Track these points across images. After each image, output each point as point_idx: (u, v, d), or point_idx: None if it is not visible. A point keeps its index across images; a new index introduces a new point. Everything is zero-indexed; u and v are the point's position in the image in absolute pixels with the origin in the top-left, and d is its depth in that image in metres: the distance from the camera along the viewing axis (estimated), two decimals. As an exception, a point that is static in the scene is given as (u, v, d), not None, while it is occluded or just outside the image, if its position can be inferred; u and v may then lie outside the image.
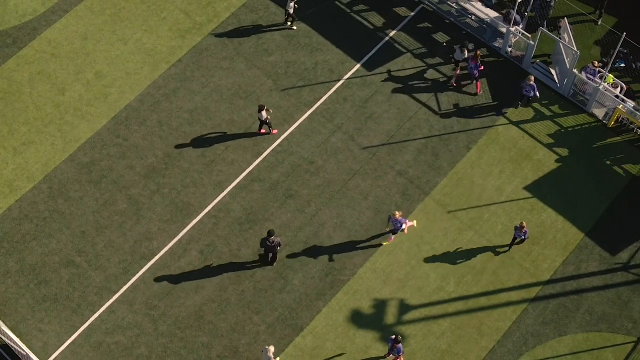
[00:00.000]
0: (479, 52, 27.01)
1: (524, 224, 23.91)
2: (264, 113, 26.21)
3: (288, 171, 26.75)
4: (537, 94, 26.72)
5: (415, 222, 25.18)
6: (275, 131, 27.23)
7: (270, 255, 24.82)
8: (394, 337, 22.39)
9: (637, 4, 29.22)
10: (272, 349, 22.34)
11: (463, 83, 28.27)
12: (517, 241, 24.89)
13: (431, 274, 24.96)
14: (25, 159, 27.03)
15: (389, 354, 23.22)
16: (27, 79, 28.58)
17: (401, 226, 24.35)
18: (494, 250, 25.27)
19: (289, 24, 29.20)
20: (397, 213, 23.98)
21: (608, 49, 28.47)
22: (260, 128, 27.00)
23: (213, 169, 26.83)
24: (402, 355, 23.03)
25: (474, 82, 27.78)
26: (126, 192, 26.44)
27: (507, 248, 25.20)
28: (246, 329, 24.21)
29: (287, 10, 28.60)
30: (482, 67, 27.24)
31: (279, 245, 24.22)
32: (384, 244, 25.15)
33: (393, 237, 25.18)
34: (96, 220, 25.97)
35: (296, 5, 28.74)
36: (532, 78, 26.44)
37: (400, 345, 22.45)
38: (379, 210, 25.99)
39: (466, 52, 27.40)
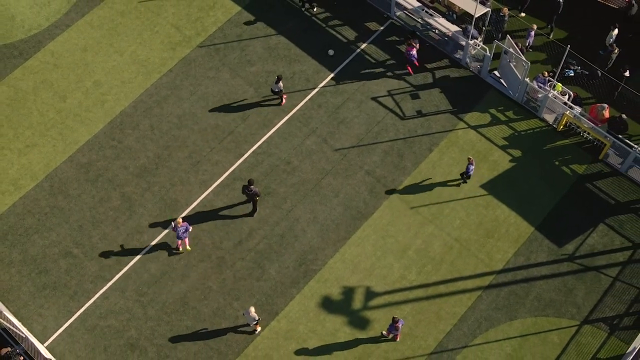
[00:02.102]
0: (410, 40, 27.54)
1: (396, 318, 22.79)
2: (280, 84, 26.64)
3: (267, 171, 26.73)
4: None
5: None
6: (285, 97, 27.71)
7: (252, 205, 25.24)
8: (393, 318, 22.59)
9: (584, 20, 29.19)
10: (252, 309, 22.41)
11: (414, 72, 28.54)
12: None
13: (395, 263, 24.95)
14: (29, 160, 27.02)
15: (388, 332, 23.27)
16: (31, 87, 28.57)
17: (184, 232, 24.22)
18: (452, 242, 25.27)
19: (310, 7, 29.70)
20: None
21: (558, 59, 28.47)
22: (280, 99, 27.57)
23: (199, 168, 26.80)
24: (398, 334, 23.14)
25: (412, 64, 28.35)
26: (120, 189, 26.43)
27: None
28: (226, 313, 24.20)
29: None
30: (413, 50, 27.63)
31: (257, 195, 24.54)
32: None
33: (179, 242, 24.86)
34: (92, 215, 25.95)
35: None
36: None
37: (398, 324, 22.44)
38: (349, 206, 25.97)
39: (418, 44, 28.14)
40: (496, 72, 28.09)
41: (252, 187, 24.51)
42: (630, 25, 28.82)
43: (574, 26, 29.34)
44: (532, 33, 27.86)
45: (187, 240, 24.83)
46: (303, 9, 29.57)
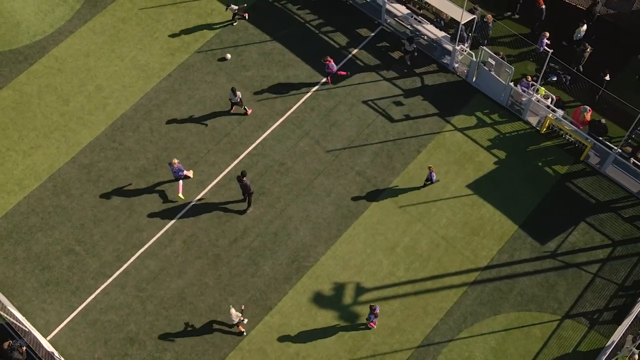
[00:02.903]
0: (327, 57, 27.55)
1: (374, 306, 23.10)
2: (238, 94, 26.57)
3: (261, 171, 26.78)
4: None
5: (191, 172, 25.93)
6: (250, 111, 27.50)
7: (247, 199, 25.48)
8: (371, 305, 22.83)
9: (567, 28, 29.25)
10: (232, 310, 22.56)
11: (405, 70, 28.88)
12: None
13: (384, 260, 24.99)
14: (33, 161, 27.08)
15: (370, 322, 23.33)
16: (36, 91, 28.63)
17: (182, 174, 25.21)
18: (439, 240, 25.32)
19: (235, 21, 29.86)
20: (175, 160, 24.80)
21: (541, 65, 28.50)
22: (231, 108, 27.50)
23: (196, 169, 26.84)
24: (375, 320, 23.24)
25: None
26: (120, 189, 26.45)
27: None
28: (222, 308, 24.23)
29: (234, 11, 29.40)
30: (331, 62, 27.60)
31: (248, 188, 24.75)
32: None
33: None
34: (94, 214, 26.00)
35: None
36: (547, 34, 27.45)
37: (376, 310, 22.67)
38: (340, 205, 26.02)
39: (413, 45, 28.08)
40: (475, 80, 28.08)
41: (244, 178, 24.58)
42: (595, 23, 28.86)
43: (550, 30, 29.34)
44: (545, 40, 27.68)
45: (181, 186, 25.39)
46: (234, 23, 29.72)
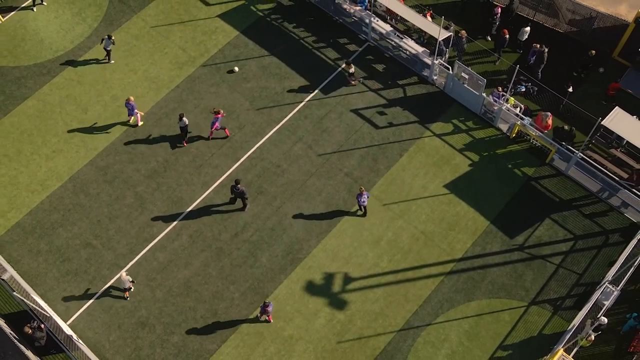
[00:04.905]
0: (217, 110, 26.61)
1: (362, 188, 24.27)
2: (184, 120, 26.53)
3: (259, 173, 26.91)
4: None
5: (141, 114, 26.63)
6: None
7: (242, 202, 25.47)
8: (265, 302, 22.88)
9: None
10: (123, 273, 23.31)
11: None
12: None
13: (369, 253, 25.11)
14: (55, 163, 27.21)
15: (261, 314, 23.33)
16: (57, 101, 28.75)
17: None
18: (419, 234, 25.47)
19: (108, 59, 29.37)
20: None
21: (511, 77, 28.66)
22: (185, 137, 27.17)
23: (201, 171, 26.98)
24: (270, 314, 23.26)
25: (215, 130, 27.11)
26: (133, 189, 26.60)
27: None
28: (224, 295, 24.38)
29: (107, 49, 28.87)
30: (216, 126, 26.74)
31: (244, 193, 24.74)
32: None
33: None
34: (109, 211, 26.13)
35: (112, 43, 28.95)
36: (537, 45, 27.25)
37: (269, 307, 22.76)
38: (330, 203, 26.14)
39: (352, 67, 28.06)
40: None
41: (239, 185, 24.67)
42: (512, 20, 29.17)
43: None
44: (535, 51, 27.70)
45: (139, 116, 26.59)
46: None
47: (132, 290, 24.19)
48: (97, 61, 29.51)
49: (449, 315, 23.83)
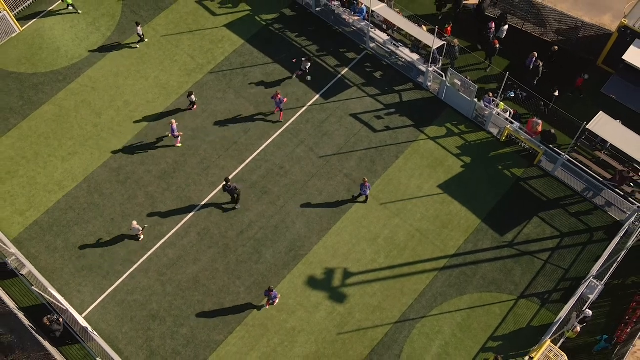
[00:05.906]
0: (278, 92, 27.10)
1: (365, 180, 24.88)
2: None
3: (264, 174, 27.03)
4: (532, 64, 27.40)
5: None
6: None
7: (235, 197, 25.46)
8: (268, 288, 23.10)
9: (523, 51, 29.62)
10: (134, 222, 24.30)
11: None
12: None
13: (367, 249, 25.20)
14: (71, 165, 27.33)
15: (267, 302, 23.48)
16: (73, 106, 28.88)
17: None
18: (414, 232, 25.60)
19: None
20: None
21: (501, 83, 28.82)
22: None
23: (209, 172, 27.10)
24: (276, 300, 23.42)
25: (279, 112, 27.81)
26: (144, 189, 26.71)
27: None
28: (230, 290, 24.49)
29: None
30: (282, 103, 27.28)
31: (236, 189, 24.86)
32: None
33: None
34: (122, 210, 26.25)
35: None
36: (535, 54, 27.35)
37: (273, 292, 22.98)
38: (330, 202, 26.22)
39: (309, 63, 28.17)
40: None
41: (229, 183, 24.73)
42: (482, 18, 29.41)
43: (514, 56, 29.65)
44: (533, 59, 27.65)
45: (178, 139, 26.87)
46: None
47: (142, 238, 25.04)
48: (110, 69, 29.66)
49: (442, 308, 23.96)
